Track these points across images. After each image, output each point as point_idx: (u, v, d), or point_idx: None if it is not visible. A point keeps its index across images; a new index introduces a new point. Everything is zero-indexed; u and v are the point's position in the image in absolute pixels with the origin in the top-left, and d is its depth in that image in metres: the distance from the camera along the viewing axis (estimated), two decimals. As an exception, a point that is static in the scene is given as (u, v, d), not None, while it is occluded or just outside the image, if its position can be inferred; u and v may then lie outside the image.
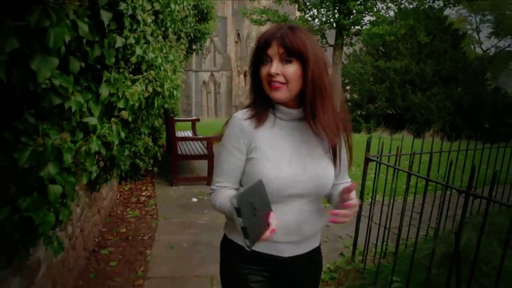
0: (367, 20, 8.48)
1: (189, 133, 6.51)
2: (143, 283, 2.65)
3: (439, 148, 3.12)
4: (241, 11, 10.13)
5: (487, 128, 20.92)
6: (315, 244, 1.25)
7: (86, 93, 1.41)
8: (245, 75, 31.64)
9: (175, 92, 2.37)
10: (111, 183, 4.08)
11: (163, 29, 2.55)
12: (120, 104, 1.61)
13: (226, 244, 1.24)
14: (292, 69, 1.05)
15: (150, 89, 1.85)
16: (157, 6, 1.69)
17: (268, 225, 0.96)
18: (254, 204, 0.92)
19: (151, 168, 4.68)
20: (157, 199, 4.39)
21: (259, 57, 1.09)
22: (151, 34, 1.78)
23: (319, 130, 1.11)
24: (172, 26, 2.76)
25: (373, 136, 7.66)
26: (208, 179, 5.03)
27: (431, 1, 9.52)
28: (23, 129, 1.21)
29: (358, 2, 7.92)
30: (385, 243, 2.73)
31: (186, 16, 3.73)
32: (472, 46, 31.57)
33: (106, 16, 1.31)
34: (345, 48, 10.83)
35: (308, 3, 8.60)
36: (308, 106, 1.09)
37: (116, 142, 1.48)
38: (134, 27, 1.55)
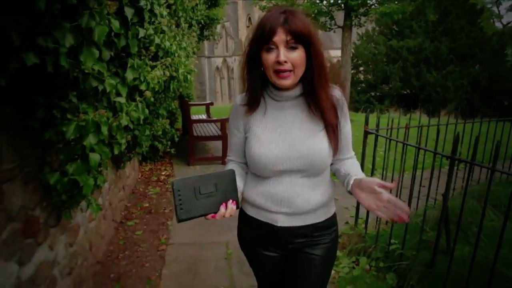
0: (375, 0, 8.51)
1: (203, 116, 6.79)
2: (166, 248, 2.99)
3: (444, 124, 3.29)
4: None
5: (506, 106, 20.44)
6: (314, 219, 1.25)
7: (115, 77, 1.68)
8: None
9: (188, 76, 2.62)
10: (133, 163, 4.42)
11: (176, 18, 2.80)
12: (143, 87, 1.88)
13: (240, 211, 1.35)
14: (298, 55, 1.07)
15: (167, 73, 2.11)
16: (171, 1, 1.93)
17: (217, 210, 1.05)
18: (201, 190, 1.02)
19: (169, 150, 4.99)
20: (176, 178, 4.71)
21: (261, 44, 1.08)
22: (167, 25, 2.03)
23: (317, 110, 1.15)
24: (184, 15, 3.01)
25: (383, 116, 7.78)
26: (222, 159, 5.33)
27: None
28: (68, 108, 1.50)
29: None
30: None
31: (197, 4, 3.95)
32: (492, 21, 30.57)
33: (129, 12, 1.57)
34: (357, 29, 10.83)
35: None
36: (310, 88, 1.14)
37: (142, 117, 1.76)
38: (152, 19, 1.81)
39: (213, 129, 5.77)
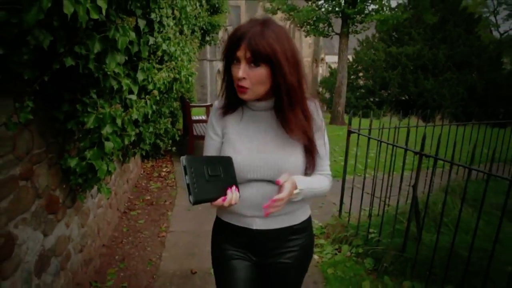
0: (371, 9, 8.84)
1: (203, 117, 7.08)
2: (166, 235, 3.27)
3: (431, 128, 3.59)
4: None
5: (503, 113, 20.69)
6: (291, 221, 1.25)
7: (128, 78, 1.98)
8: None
9: (190, 78, 2.92)
10: (136, 160, 4.71)
11: (180, 26, 3.10)
12: (150, 86, 2.18)
13: (216, 218, 1.35)
14: (259, 73, 1.06)
15: (171, 75, 2.41)
16: (177, 14, 2.22)
17: (225, 194, 1.04)
18: (210, 171, 0.99)
19: (170, 148, 5.28)
20: (176, 174, 5.00)
21: (229, 54, 1.09)
22: (172, 33, 2.33)
23: (285, 125, 1.14)
24: (187, 23, 3.31)
25: (376, 121, 8.03)
26: (220, 158, 5.61)
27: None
28: (88, 103, 1.79)
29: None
30: (371, 207, 3.25)
31: (199, 12, 4.26)
32: (490, 30, 30.97)
33: (142, 23, 1.86)
34: (358, 35, 11.15)
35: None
36: (277, 104, 1.14)
37: (150, 112, 2.05)
38: (161, 29, 2.10)
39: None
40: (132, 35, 1.55)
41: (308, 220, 1.33)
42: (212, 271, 1.87)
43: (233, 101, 1.20)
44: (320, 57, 32.39)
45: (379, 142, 2.86)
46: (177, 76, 2.74)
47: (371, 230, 3.01)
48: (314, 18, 9.06)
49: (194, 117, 6.70)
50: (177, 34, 2.79)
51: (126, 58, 1.83)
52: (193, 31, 4.17)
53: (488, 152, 4.44)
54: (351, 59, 22.82)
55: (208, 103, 7.86)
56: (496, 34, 30.72)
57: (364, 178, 3.09)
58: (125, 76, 2.01)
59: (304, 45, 30.55)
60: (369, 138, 2.91)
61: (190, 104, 6.31)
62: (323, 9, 9.36)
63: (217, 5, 5.94)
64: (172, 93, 3.00)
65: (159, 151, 5.52)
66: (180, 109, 6.96)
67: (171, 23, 2.25)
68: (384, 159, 3.37)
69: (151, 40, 1.94)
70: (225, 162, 1.08)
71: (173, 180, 4.79)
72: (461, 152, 3.96)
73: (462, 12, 21.37)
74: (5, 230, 1.47)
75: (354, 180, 3.24)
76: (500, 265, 2.44)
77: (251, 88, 1.08)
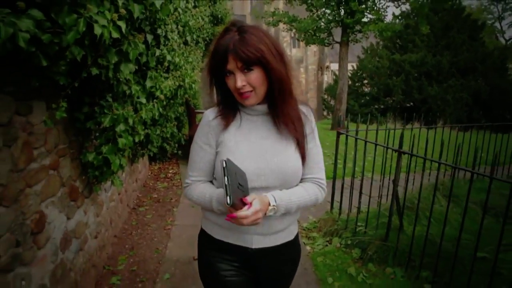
0: (369, 19, 9.16)
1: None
2: (171, 228, 3.58)
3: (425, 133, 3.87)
4: (253, 13, 11.01)
5: (508, 119, 20.69)
6: (286, 238, 1.25)
7: (138, 85, 2.31)
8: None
9: (193, 85, 3.24)
10: (144, 161, 5.04)
11: (184, 38, 3.44)
12: (158, 93, 2.50)
13: (201, 234, 1.31)
14: (255, 76, 1.07)
15: (176, 83, 2.73)
16: (181, 28, 2.55)
17: (245, 205, 1.01)
18: (239, 180, 1.00)
19: (176, 152, 5.60)
20: (182, 175, 5.32)
21: (219, 70, 1.10)
22: (177, 45, 2.66)
23: (281, 125, 1.16)
24: (190, 34, 3.65)
25: (372, 126, 8.30)
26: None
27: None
28: (105, 105, 2.12)
29: (359, 3, 8.63)
30: (359, 203, 3.52)
31: (203, 25, 4.61)
32: (495, 36, 31.10)
33: (150, 38, 2.19)
34: (363, 43, 11.45)
35: (315, 4, 9.38)
36: (272, 104, 1.15)
37: (157, 114, 2.37)
38: (166, 42, 2.43)
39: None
40: (142, 48, 1.88)
41: (297, 233, 1.34)
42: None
43: (231, 109, 1.19)
44: (326, 65, 32.75)
45: (365, 142, 3.14)
46: (182, 83, 3.07)
47: (359, 224, 3.28)
48: (315, 28, 9.41)
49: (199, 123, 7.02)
50: (181, 45, 3.13)
51: (136, 67, 2.16)
52: (197, 42, 4.52)
53: (475, 154, 4.69)
54: (355, 67, 23.11)
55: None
56: (502, 40, 30.79)
57: (353, 177, 3.37)
58: (135, 83, 2.34)
59: (310, 53, 30.90)
60: (356, 139, 3.20)
61: (195, 111, 6.64)
62: (323, 19, 9.70)
63: (220, 16, 6.31)
64: (177, 98, 3.32)
65: (166, 154, 5.85)
66: (186, 116, 7.31)
67: (176, 37, 2.58)
68: (379, 161, 3.66)
69: (158, 52, 2.27)
70: (244, 177, 1.06)
71: (179, 180, 5.11)
72: (448, 154, 4.21)
73: (465, 19, 21.52)
74: (39, 209, 1.79)
75: (344, 179, 3.50)
76: (472, 252, 2.70)
77: (254, 91, 1.09)
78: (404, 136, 2.72)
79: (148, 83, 2.36)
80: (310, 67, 31.60)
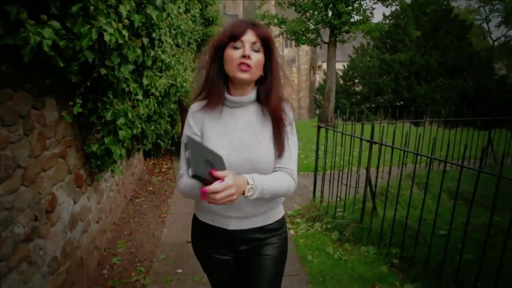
0: (356, 19, 9.51)
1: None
2: (166, 216, 3.86)
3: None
4: (246, 14, 11.29)
5: (493, 117, 21.15)
6: (264, 221, 1.33)
7: (135, 83, 2.59)
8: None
9: (184, 84, 3.53)
10: (139, 157, 5.31)
11: (176, 40, 3.72)
12: (153, 90, 2.79)
13: (194, 216, 1.43)
14: (258, 57, 1.19)
15: (169, 81, 3.02)
16: (174, 32, 2.82)
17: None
18: (208, 158, 1.04)
19: (170, 148, 5.89)
20: (175, 170, 5.60)
21: (230, 41, 1.19)
22: (170, 47, 2.95)
23: (267, 115, 1.26)
24: (182, 37, 3.93)
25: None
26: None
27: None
28: (107, 101, 2.40)
29: (346, 5, 8.99)
30: (338, 191, 3.83)
31: (194, 27, 4.89)
32: (482, 36, 31.74)
33: (145, 41, 2.47)
34: (354, 42, 11.77)
35: (303, 6, 9.72)
36: (265, 91, 1.25)
37: (153, 109, 2.65)
38: (160, 45, 2.72)
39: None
40: (139, 51, 2.16)
41: (281, 221, 1.40)
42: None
43: (215, 98, 1.24)
44: (318, 65, 33.17)
45: (342, 134, 3.46)
46: (174, 82, 3.35)
47: (338, 210, 3.59)
48: (303, 29, 9.74)
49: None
50: (173, 47, 3.41)
51: (134, 67, 2.44)
52: (188, 43, 4.80)
53: (454, 148, 5.04)
54: (346, 66, 23.51)
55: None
56: (489, 40, 31.42)
57: (333, 168, 3.69)
58: (133, 81, 2.62)
59: (302, 53, 31.26)
60: (334, 132, 3.51)
61: (187, 109, 6.93)
62: (312, 20, 10.03)
63: (211, 18, 6.60)
64: (170, 96, 3.60)
65: (160, 150, 6.13)
66: (179, 114, 7.59)
67: (169, 40, 2.87)
68: (364, 156, 3.95)
69: (152, 53, 2.55)
70: (219, 159, 1.11)
71: (172, 175, 5.38)
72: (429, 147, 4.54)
73: (453, 20, 21.95)
74: (51, 191, 2.07)
75: (325, 171, 3.81)
76: (436, 231, 3.02)
77: (252, 68, 1.18)
78: (385, 130, 3.04)
79: (145, 81, 2.64)
80: (302, 66, 31.95)
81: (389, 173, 3.02)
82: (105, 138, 2.46)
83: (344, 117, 3.63)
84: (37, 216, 1.87)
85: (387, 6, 9.18)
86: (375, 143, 3.03)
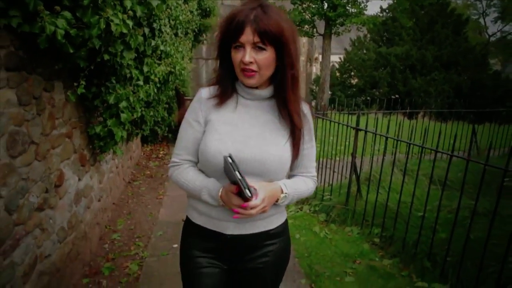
0: (351, 12, 9.68)
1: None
2: (163, 197, 4.06)
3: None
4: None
5: (487, 112, 21.48)
6: (266, 226, 1.18)
7: (136, 69, 2.77)
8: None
9: (183, 72, 3.71)
10: (137, 142, 5.49)
11: (175, 30, 3.88)
12: (153, 77, 2.97)
13: (185, 220, 1.28)
14: (265, 56, 1.02)
15: (168, 69, 3.20)
16: (172, 23, 2.99)
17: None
18: (240, 171, 0.98)
19: (166, 134, 6.07)
20: (172, 156, 5.79)
21: (229, 41, 1.05)
22: (169, 37, 3.12)
23: (286, 113, 1.11)
24: (181, 27, 4.10)
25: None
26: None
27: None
28: (110, 86, 2.58)
29: (341, -3, 9.22)
30: (326, 177, 4.06)
31: (192, 17, 5.04)
32: (479, 31, 31.91)
33: (146, 30, 2.64)
34: (351, 35, 11.85)
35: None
36: (281, 89, 1.10)
37: (152, 94, 2.84)
38: (160, 34, 2.89)
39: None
40: (140, 39, 2.34)
41: (284, 224, 1.26)
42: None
43: (229, 89, 1.14)
44: (314, 56, 33.25)
45: (329, 121, 3.66)
46: (172, 70, 3.53)
47: (326, 193, 3.81)
48: (300, 20, 9.88)
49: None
50: (172, 36, 3.58)
51: (136, 55, 2.62)
52: (186, 33, 4.96)
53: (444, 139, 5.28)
54: (342, 59, 23.64)
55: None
56: (486, 35, 31.58)
57: (323, 156, 3.90)
58: (134, 68, 2.80)
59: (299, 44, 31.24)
60: (322, 119, 3.72)
61: (184, 97, 7.10)
62: (308, 12, 10.18)
63: (208, 9, 6.74)
64: (169, 83, 3.78)
65: (157, 136, 6.32)
66: (175, 102, 7.77)
67: (168, 29, 3.04)
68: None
69: (153, 42, 2.73)
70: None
71: (169, 160, 5.55)
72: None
73: (450, 14, 22.08)
74: (59, 167, 2.26)
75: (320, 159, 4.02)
76: (415, 212, 3.25)
77: (258, 72, 1.05)
78: (379, 122, 3.24)
79: (145, 68, 2.82)
80: (299, 58, 32.00)
81: (371, 159, 3.24)
82: (108, 120, 2.65)
83: (335, 106, 3.83)
84: (47, 189, 2.07)
85: (382, -1, 9.33)
86: (360, 129, 3.24)
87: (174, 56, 3.47)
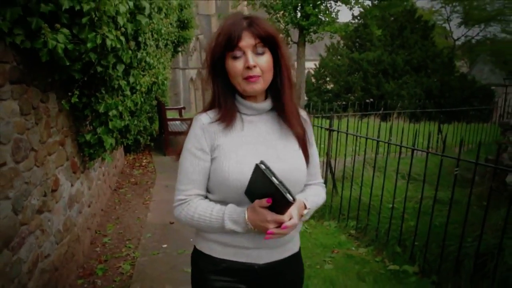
0: (323, 21, 10.12)
1: (176, 117, 8.04)
2: (149, 203, 4.21)
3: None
4: (219, 13, 11.74)
5: (457, 112, 22.46)
6: (292, 249, 1.14)
7: (124, 80, 2.95)
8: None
9: (165, 82, 3.90)
10: (121, 151, 5.61)
11: (156, 42, 4.08)
12: (138, 87, 3.15)
13: (197, 256, 1.14)
14: (265, 60, 1.02)
15: (152, 79, 3.38)
16: (155, 36, 3.19)
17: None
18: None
19: (148, 143, 6.19)
20: (155, 163, 5.94)
21: (226, 51, 1.02)
22: (152, 49, 3.31)
23: (286, 123, 1.09)
24: (161, 39, 4.30)
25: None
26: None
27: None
28: (100, 96, 2.75)
29: (313, 7, 9.58)
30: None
31: (171, 30, 5.25)
32: (444, 36, 33.41)
33: (132, 44, 2.83)
34: (326, 42, 12.24)
35: (274, 7, 10.24)
36: (280, 98, 1.08)
37: (139, 103, 3.01)
38: (145, 47, 3.08)
39: (184, 127, 7.03)
40: (130, 53, 2.53)
41: (299, 241, 1.21)
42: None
43: (233, 108, 1.08)
44: (293, 63, 33.87)
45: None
46: (156, 80, 3.72)
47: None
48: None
49: (169, 117, 7.66)
50: (155, 48, 3.78)
51: (123, 66, 2.80)
52: (166, 45, 5.15)
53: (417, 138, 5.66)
54: (317, 65, 24.26)
55: (181, 106, 8.83)
56: (451, 40, 33.10)
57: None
58: (122, 79, 2.98)
59: (275, 52, 31.70)
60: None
61: (165, 107, 7.27)
62: (282, 21, 10.56)
63: (186, 21, 6.97)
64: (152, 93, 3.96)
65: (140, 145, 6.43)
66: (156, 112, 7.91)
67: (151, 42, 3.24)
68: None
69: (139, 55, 2.92)
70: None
71: (152, 168, 5.72)
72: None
73: (418, 20, 23.09)
74: (55, 173, 2.41)
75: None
76: (386, 204, 3.55)
77: (262, 76, 1.02)
78: (356, 125, 3.52)
79: (131, 79, 3.00)
80: (275, 66, 32.42)
81: (345, 156, 3.51)
82: (97, 128, 2.81)
83: (310, 111, 4.11)
84: (45, 192, 2.22)
85: (350, 9, 9.81)
86: (333, 130, 3.51)
87: (156, 67, 3.66)
